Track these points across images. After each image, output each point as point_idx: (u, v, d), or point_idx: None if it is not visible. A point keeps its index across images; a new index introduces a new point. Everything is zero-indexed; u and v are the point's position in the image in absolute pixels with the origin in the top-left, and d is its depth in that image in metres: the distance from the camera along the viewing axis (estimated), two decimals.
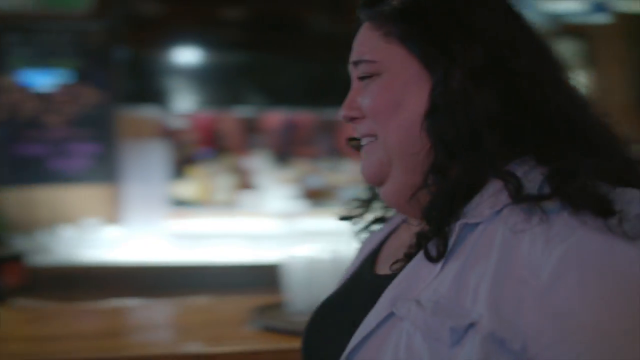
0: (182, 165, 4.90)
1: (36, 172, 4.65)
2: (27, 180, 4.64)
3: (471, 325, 0.89)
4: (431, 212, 1.00)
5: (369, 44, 1.08)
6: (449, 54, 1.00)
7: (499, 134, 0.96)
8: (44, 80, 4.65)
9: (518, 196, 0.93)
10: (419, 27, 1.03)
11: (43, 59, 4.65)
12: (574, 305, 0.84)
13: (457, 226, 0.97)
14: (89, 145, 4.69)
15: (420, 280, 0.98)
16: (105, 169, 4.69)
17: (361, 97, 1.09)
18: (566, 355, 0.83)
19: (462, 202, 0.99)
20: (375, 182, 1.12)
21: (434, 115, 1.00)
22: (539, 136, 0.97)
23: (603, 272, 0.84)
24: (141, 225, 4.57)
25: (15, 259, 2.75)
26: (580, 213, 0.87)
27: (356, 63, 1.10)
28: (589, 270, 0.84)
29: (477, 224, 0.96)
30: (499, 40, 1.00)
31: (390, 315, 0.99)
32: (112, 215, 4.63)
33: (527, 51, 1.01)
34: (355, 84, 1.12)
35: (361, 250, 1.30)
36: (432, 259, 0.97)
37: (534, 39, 1.05)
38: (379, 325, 1.00)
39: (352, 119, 1.11)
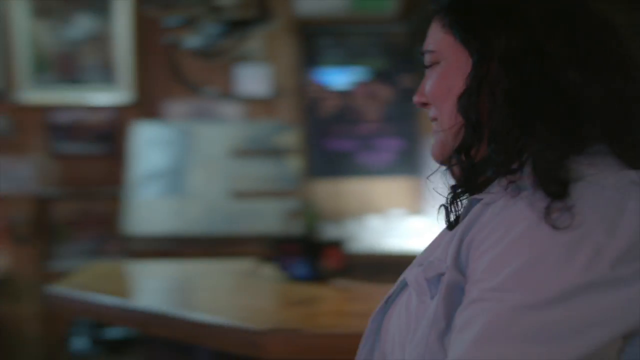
0: None
1: (345, 165, 4.99)
2: (336, 173, 4.99)
3: (441, 275, 1.00)
4: (453, 188, 1.10)
5: (433, 35, 1.16)
6: (484, 39, 1.05)
7: (522, 117, 1.00)
8: (346, 78, 4.99)
9: (494, 172, 1.01)
10: (463, 15, 1.10)
11: (349, 60, 4.99)
12: (481, 263, 0.93)
13: (469, 200, 1.06)
14: (393, 140, 4.95)
15: (438, 250, 1.07)
16: (409, 163, 4.93)
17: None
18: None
19: (482, 180, 1.06)
20: (442, 162, 1.18)
21: (463, 96, 1.07)
22: (564, 121, 0.99)
23: (514, 245, 0.91)
24: None
25: (336, 244, 3.04)
26: (538, 191, 0.93)
27: (424, 53, 1.18)
28: (504, 241, 0.92)
29: (481, 199, 1.03)
30: (537, 27, 1.02)
31: (404, 281, 1.11)
32: (415, 206, 4.85)
33: (568, 38, 1.02)
34: (426, 72, 1.20)
35: None
36: (449, 229, 1.08)
37: (583, 21, 1.04)
38: (396, 292, 1.12)
39: (423, 105, 1.19)
